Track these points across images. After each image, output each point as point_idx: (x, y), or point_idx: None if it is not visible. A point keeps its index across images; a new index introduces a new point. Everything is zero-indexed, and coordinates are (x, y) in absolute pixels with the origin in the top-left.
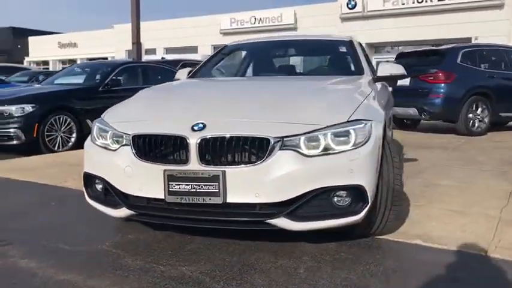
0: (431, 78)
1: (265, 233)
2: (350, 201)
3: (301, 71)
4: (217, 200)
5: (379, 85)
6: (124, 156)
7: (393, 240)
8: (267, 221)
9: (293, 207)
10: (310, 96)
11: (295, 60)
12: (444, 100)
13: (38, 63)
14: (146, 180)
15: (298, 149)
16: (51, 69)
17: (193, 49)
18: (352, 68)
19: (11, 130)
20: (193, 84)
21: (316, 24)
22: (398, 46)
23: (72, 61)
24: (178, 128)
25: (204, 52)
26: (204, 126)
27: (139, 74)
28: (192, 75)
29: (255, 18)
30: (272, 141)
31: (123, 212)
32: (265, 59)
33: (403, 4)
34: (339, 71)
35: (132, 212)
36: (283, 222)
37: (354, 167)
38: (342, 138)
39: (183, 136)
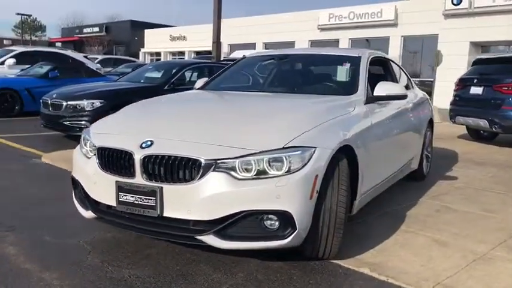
0: (506, 88)
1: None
2: (278, 225)
3: (293, 88)
4: (154, 214)
5: (370, 106)
6: (93, 164)
7: (343, 266)
8: (197, 237)
9: (221, 226)
10: (263, 118)
11: (294, 76)
12: None
13: (151, 54)
14: (104, 189)
15: (230, 172)
16: (162, 60)
17: (291, 44)
18: (346, 86)
19: (82, 122)
20: (176, 100)
21: (417, 20)
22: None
23: (181, 53)
24: (129, 144)
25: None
26: (152, 143)
27: (205, 74)
28: (202, 86)
29: (354, 14)
30: (203, 163)
31: (90, 214)
32: (264, 73)
33: None
34: (330, 89)
35: (95, 215)
36: (211, 240)
37: (280, 192)
38: (275, 164)
39: (131, 152)
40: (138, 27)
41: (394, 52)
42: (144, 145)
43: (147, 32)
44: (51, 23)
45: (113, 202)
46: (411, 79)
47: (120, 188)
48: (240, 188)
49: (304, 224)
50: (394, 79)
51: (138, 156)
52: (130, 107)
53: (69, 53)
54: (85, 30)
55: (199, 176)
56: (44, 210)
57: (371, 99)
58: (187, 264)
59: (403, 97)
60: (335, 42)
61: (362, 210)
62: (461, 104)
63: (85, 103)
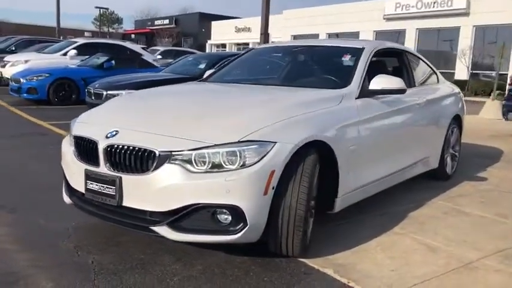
0: None
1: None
2: (230, 220)
3: (285, 81)
4: (114, 202)
5: (364, 101)
6: (71, 152)
7: (308, 265)
8: (151, 227)
9: (174, 218)
10: (229, 112)
11: (290, 69)
12: None
13: (217, 46)
14: (78, 176)
15: (185, 165)
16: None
17: (355, 35)
18: (340, 79)
19: None
20: (160, 92)
21: (492, 9)
22: None
23: (246, 44)
24: (96, 133)
25: (365, 38)
26: (116, 133)
27: None
28: (206, 78)
29: (422, 3)
30: (158, 154)
31: (69, 200)
32: (265, 65)
33: None
34: (322, 82)
35: (71, 201)
36: (164, 231)
37: (231, 187)
38: (230, 158)
39: (96, 141)
40: (206, 19)
41: (465, 43)
42: (109, 135)
43: (214, 24)
44: (127, 15)
45: (82, 189)
46: (437, 72)
47: (87, 176)
48: (193, 181)
49: (256, 219)
50: (409, 72)
51: (101, 146)
52: (117, 98)
53: (128, 44)
54: (156, 22)
55: (153, 167)
56: (56, 195)
57: (366, 93)
58: (153, 253)
59: (400, 91)
60: (401, 33)
61: (360, 209)
62: None
63: (122, 93)
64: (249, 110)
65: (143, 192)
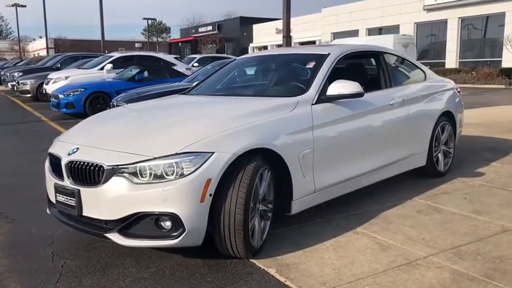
0: None
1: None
2: (171, 226)
3: (243, 91)
4: (74, 213)
5: (322, 106)
6: (47, 168)
7: (255, 265)
8: (105, 234)
9: (122, 225)
10: (174, 126)
11: (253, 79)
12: None
13: (259, 48)
14: (51, 189)
15: (130, 177)
16: None
17: (395, 28)
18: (297, 87)
19: None
20: (131, 109)
21: None
22: None
23: None
24: (61, 151)
25: (405, 31)
26: (77, 150)
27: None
28: (189, 90)
29: None
30: (106, 168)
31: (48, 211)
32: (239, 76)
33: None
34: (280, 91)
35: (51, 212)
36: (116, 238)
37: (167, 196)
38: (169, 169)
39: (60, 157)
40: (247, 23)
41: (511, 29)
42: (71, 152)
43: (255, 27)
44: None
45: (54, 201)
46: (424, 69)
47: (56, 189)
48: (135, 191)
49: (195, 224)
50: (385, 73)
51: (63, 162)
52: (92, 116)
53: (161, 55)
54: (200, 29)
55: (103, 180)
56: None
57: (326, 98)
58: (118, 257)
59: (357, 95)
60: (443, 23)
61: (334, 209)
62: None
63: None
64: (194, 123)
65: (97, 203)
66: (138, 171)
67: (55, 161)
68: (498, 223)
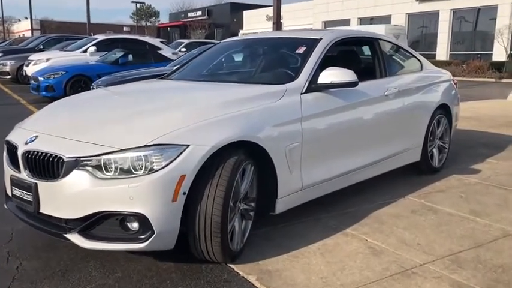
0: None
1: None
2: (138, 228)
3: (229, 77)
4: (31, 209)
5: (313, 95)
6: (4, 158)
7: (235, 271)
8: (64, 234)
9: (84, 225)
10: (149, 113)
11: (240, 64)
12: None
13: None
14: (7, 181)
15: (93, 171)
16: None
17: (387, 18)
18: (286, 73)
19: None
20: (100, 94)
21: None
22: None
23: None
24: (19, 138)
25: (397, 22)
26: (35, 139)
27: None
28: (168, 75)
29: None
30: (66, 160)
31: (5, 205)
32: (223, 60)
33: None
34: (270, 77)
35: (7, 207)
36: (76, 239)
37: (134, 194)
38: (137, 163)
39: (16, 145)
40: (238, 9)
41: (502, 22)
42: (28, 140)
43: (246, 14)
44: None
45: (10, 195)
46: (420, 59)
47: (12, 182)
48: (99, 187)
49: (166, 227)
50: (380, 61)
51: (20, 151)
52: (57, 101)
53: (147, 38)
54: (189, 14)
55: (62, 173)
56: None
57: (317, 87)
58: (80, 259)
59: (351, 84)
60: (435, 15)
61: (323, 207)
62: None
63: None
64: (169, 111)
65: (56, 199)
66: (102, 165)
67: (12, 150)
68: (498, 226)
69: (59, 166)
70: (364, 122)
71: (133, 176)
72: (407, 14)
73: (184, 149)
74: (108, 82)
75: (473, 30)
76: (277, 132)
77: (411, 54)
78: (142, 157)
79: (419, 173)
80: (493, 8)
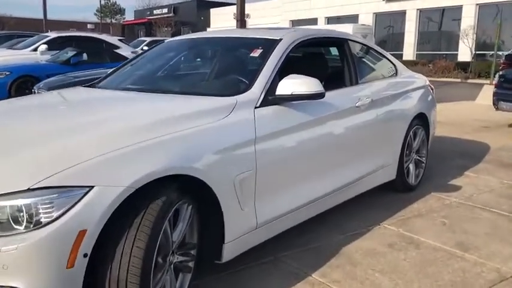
0: None
1: None
2: None
3: (167, 87)
4: None
5: (271, 109)
6: None
7: None
8: None
9: None
10: (40, 139)
11: (184, 69)
12: None
13: None
14: None
15: None
16: None
17: (354, 18)
18: (237, 82)
19: None
20: (19, 104)
21: None
22: None
23: None
24: None
25: (364, 21)
26: None
27: None
28: (99, 81)
29: None
30: None
31: None
32: (165, 64)
33: None
34: (215, 87)
35: None
36: None
37: (8, 261)
38: (17, 214)
39: None
40: (205, 6)
41: (467, 23)
42: None
43: (213, 11)
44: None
45: None
46: (395, 63)
47: None
48: None
49: None
50: (350, 66)
51: None
52: None
53: (103, 36)
54: (155, 11)
55: None
56: None
57: (272, 100)
58: None
59: (316, 96)
60: (401, 15)
61: (280, 243)
62: (507, 86)
63: None
64: (72, 135)
65: None
66: None
67: None
68: (491, 266)
69: None
70: (333, 139)
71: (10, 233)
72: (374, 13)
73: (86, 193)
74: (52, 85)
75: (439, 30)
76: (222, 160)
77: (385, 56)
78: (23, 206)
79: (393, 190)
80: (458, 9)
